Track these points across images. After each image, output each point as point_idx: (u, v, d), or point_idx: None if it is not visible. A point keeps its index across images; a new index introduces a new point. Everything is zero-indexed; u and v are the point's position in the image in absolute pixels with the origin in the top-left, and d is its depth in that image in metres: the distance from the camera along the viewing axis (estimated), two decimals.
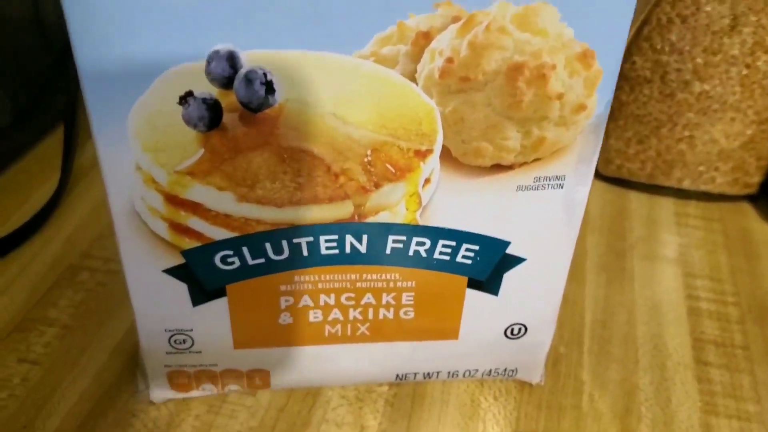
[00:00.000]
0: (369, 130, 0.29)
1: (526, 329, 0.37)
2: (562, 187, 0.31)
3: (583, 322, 0.44)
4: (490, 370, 0.38)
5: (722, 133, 0.50)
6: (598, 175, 0.55)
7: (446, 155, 0.30)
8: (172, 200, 0.30)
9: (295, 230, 0.31)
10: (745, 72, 0.48)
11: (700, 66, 0.48)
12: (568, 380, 0.40)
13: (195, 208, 0.30)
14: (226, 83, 0.27)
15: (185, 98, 0.27)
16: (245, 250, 0.32)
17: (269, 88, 0.27)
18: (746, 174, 0.52)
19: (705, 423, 0.38)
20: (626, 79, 0.50)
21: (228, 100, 0.28)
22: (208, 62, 0.27)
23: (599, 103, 0.29)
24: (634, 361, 0.41)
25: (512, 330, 0.37)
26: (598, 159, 0.54)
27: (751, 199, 0.54)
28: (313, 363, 0.37)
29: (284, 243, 0.32)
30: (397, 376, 0.38)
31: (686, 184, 0.53)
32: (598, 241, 0.50)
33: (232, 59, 0.27)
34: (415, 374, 0.38)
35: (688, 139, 0.51)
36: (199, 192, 0.30)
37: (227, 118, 0.28)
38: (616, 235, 0.51)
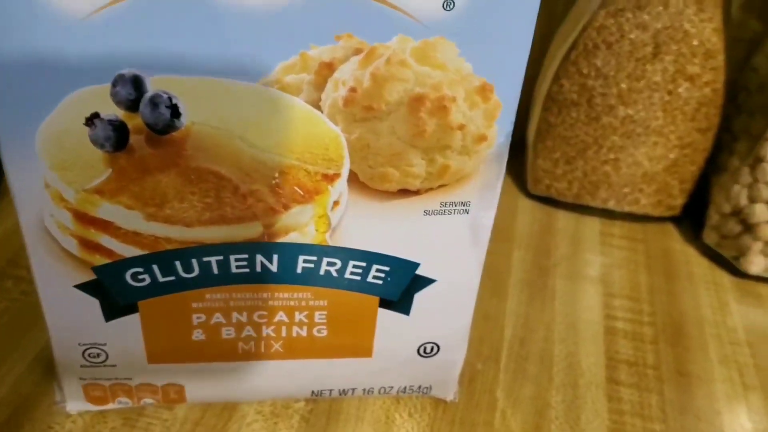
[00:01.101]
0: (276, 153, 0.29)
1: (438, 348, 0.37)
2: (467, 212, 0.32)
3: (502, 338, 0.45)
4: (405, 387, 0.39)
5: (646, 156, 0.52)
6: (528, 194, 0.56)
7: (354, 179, 0.31)
8: (82, 218, 0.30)
9: (204, 249, 0.32)
10: (667, 98, 0.49)
11: (624, 91, 0.50)
12: (483, 397, 0.41)
13: (105, 226, 0.31)
14: (131, 106, 0.28)
15: (91, 119, 0.28)
16: (155, 267, 0.32)
17: (175, 111, 0.28)
18: (669, 196, 0.54)
19: None
20: (554, 102, 0.52)
21: (134, 122, 0.28)
22: (113, 85, 0.27)
23: (499, 133, 0.30)
24: (548, 379, 0.42)
25: (425, 348, 0.37)
26: (527, 178, 0.56)
27: (674, 219, 0.56)
28: (228, 378, 0.37)
29: (194, 261, 0.32)
30: (313, 392, 0.39)
31: (611, 205, 0.54)
32: (523, 258, 0.51)
33: (137, 83, 0.27)
34: (331, 391, 0.39)
35: (613, 162, 0.52)
36: (108, 210, 0.30)
37: (134, 139, 0.29)
38: (542, 253, 0.52)
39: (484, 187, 0.32)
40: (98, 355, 0.35)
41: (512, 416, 0.40)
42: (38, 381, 0.39)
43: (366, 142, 0.29)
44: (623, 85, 0.49)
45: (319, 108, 0.29)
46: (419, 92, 0.28)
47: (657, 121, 0.50)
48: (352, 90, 0.28)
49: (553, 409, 0.41)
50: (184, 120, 0.28)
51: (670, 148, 0.51)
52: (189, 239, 0.31)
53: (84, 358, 0.35)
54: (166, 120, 0.28)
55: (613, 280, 0.50)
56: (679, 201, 0.54)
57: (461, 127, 0.29)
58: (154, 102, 0.28)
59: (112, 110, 0.28)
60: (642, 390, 0.42)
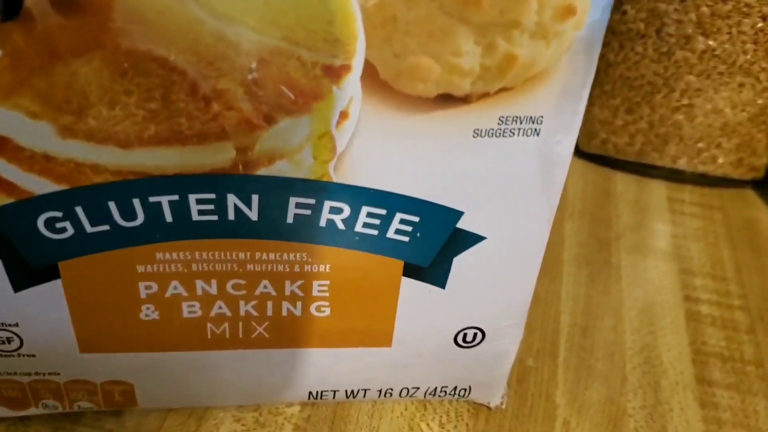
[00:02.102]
0: (252, 28, 0.19)
1: (483, 335, 0.27)
2: (538, 134, 0.22)
3: (558, 328, 0.35)
4: (435, 389, 0.29)
5: (728, 102, 0.42)
6: (579, 152, 0.46)
7: (372, 77, 0.20)
8: None
9: (150, 184, 0.21)
10: (760, 25, 0.39)
11: (706, 17, 0.40)
12: (538, 402, 0.31)
13: (0, 145, 0.20)
14: None
15: None
16: (79, 210, 0.22)
17: None
18: (753, 154, 0.44)
19: None
20: (614, 34, 0.42)
21: None
22: None
23: (594, 5, 0.20)
24: (621, 379, 0.32)
25: (464, 336, 0.27)
26: (579, 132, 0.46)
27: (755, 184, 0.46)
28: (194, 374, 0.27)
29: (136, 202, 0.22)
30: (311, 394, 0.29)
31: (682, 164, 0.44)
32: (578, 229, 0.41)
33: None
34: (335, 392, 0.29)
35: (686, 109, 0.42)
36: (1, 120, 0.20)
37: (32, 1, 0.18)
38: (600, 223, 0.42)
39: (565, 94, 0.22)
40: (9, 340, 0.25)
41: (578, 427, 0.30)
42: None
43: (392, 11, 0.19)
44: (705, 9, 0.40)
45: None
46: None
47: (745, 56, 0.40)
48: None
49: (631, 417, 0.31)
50: None
51: (759, 91, 0.41)
52: (127, 167, 0.21)
53: None
54: None
55: (689, 255, 0.40)
56: (764, 160, 0.45)
57: None
58: None
59: None
60: (743, 393, 0.33)
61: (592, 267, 0.38)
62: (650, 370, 0.33)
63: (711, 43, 0.40)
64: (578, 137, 0.45)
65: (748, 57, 0.40)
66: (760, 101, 0.42)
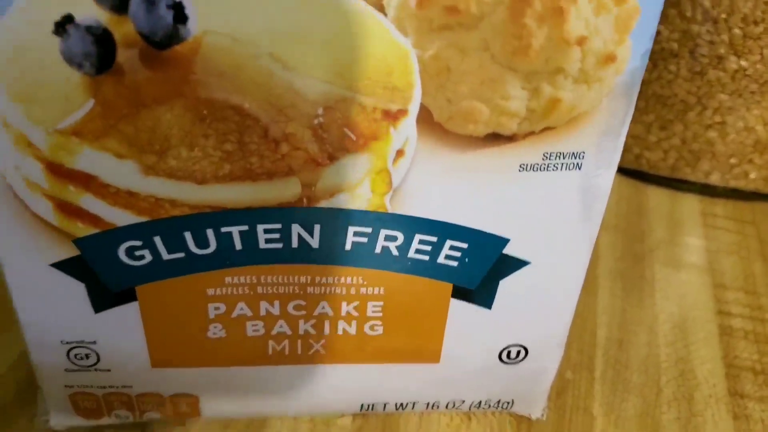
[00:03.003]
0: (319, 79, 0.21)
1: (526, 352, 0.29)
2: (579, 168, 0.24)
3: (594, 341, 0.36)
4: (480, 402, 0.31)
5: (760, 120, 0.43)
6: None
7: (426, 119, 0.22)
8: (56, 171, 0.22)
9: (223, 216, 0.23)
10: None
11: (738, 38, 0.40)
12: (576, 414, 0.32)
13: (87, 181, 0.23)
14: (119, 5, 0.20)
15: (63, 25, 0.20)
16: (158, 240, 0.24)
17: (179, 13, 0.20)
18: None
19: None
20: (649, 53, 0.43)
21: (123, 30, 0.20)
22: None
23: (634, 53, 0.22)
24: (657, 392, 0.34)
25: (509, 353, 0.29)
26: None
27: None
28: (254, 387, 0.29)
29: (209, 233, 0.24)
30: (363, 406, 0.30)
31: (715, 179, 0.45)
32: (612, 243, 0.42)
33: None
34: (385, 405, 0.30)
35: (719, 126, 0.43)
36: (90, 159, 0.22)
37: (123, 56, 0.20)
38: (634, 237, 0.43)
39: (606, 133, 0.23)
40: (87, 356, 0.27)
41: None
42: (18, 390, 0.32)
43: (445, 62, 0.21)
44: (736, 31, 0.40)
45: (382, 11, 0.20)
46: None
47: None
48: None
49: (666, 429, 0.32)
50: (193, 27, 0.20)
51: None
52: (202, 201, 0.23)
53: (69, 360, 0.27)
54: (167, 26, 0.20)
55: (722, 269, 0.41)
56: None
57: (581, 41, 0.21)
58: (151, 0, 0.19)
59: (91, 12, 0.20)
60: None
61: (626, 281, 0.40)
62: (684, 383, 0.34)
63: (743, 63, 0.41)
64: None
65: None
66: None
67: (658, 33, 0.42)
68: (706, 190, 0.46)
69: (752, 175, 0.45)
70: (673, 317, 0.38)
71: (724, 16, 0.40)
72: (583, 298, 0.38)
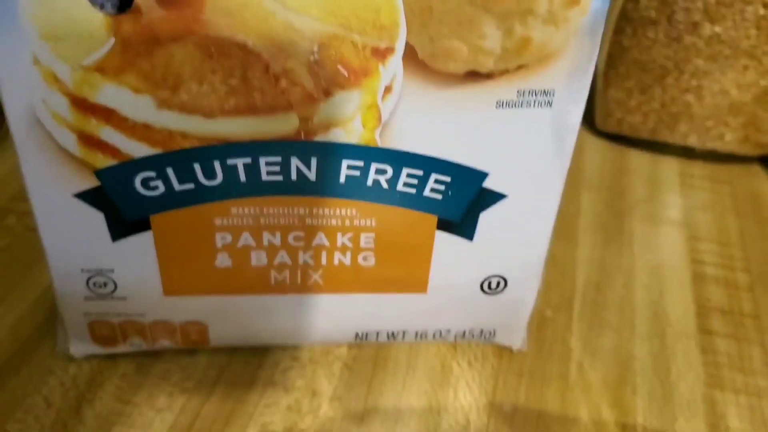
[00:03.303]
0: (314, 17, 0.23)
1: (506, 283, 0.31)
2: (550, 105, 0.26)
3: (574, 286, 0.39)
4: (464, 332, 0.33)
5: (734, 83, 0.45)
6: (596, 130, 0.50)
7: (411, 57, 0.25)
8: (80, 104, 0.25)
9: (229, 148, 0.26)
10: (762, 12, 0.42)
11: (711, 5, 0.43)
12: (555, 346, 0.35)
13: (108, 115, 0.25)
14: None
15: None
16: (170, 171, 0.26)
17: None
18: (758, 131, 0.47)
19: (709, 397, 0.33)
20: (628, 21, 0.45)
21: None
22: None
23: None
24: (631, 329, 0.36)
25: (489, 283, 0.31)
26: (596, 112, 0.49)
27: (762, 160, 0.49)
28: (258, 316, 0.32)
29: (216, 164, 0.26)
30: (357, 335, 0.33)
31: (692, 141, 0.48)
32: (594, 200, 0.45)
33: None
34: (378, 333, 0.33)
35: (695, 90, 0.46)
36: (111, 94, 0.24)
37: None
38: (615, 195, 0.45)
39: (573, 71, 0.26)
40: (105, 284, 0.30)
41: (590, 368, 0.34)
42: (40, 324, 0.34)
43: (428, 3, 0.24)
44: None
45: None
46: None
47: (749, 41, 0.44)
48: None
49: (639, 360, 0.35)
50: None
51: (762, 73, 0.45)
52: (210, 134, 0.26)
53: (88, 287, 0.30)
54: None
55: (697, 224, 0.44)
56: None
57: None
58: None
59: None
60: (741, 341, 0.36)
61: (607, 234, 0.42)
62: (657, 322, 0.37)
63: (717, 29, 0.44)
64: (596, 116, 0.49)
65: (751, 42, 0.44)
66: (763, 82, 0.45)
67: (636, 1, 0.45)
68: (684, 152, 0.49)
69: (727, 137, 0.48)
70: (649, 265, 0.40)
71: None
72: (565, 248, 0.40)
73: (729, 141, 0.48)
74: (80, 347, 0.32)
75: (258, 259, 0.30)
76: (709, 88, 0.46)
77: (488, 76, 0.25)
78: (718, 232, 0.43)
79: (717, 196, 0.46)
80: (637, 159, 0.48)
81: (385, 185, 0.28)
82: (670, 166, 0.48)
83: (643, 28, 0.45)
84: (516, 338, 0.34)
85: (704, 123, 0.47)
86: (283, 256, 0.30)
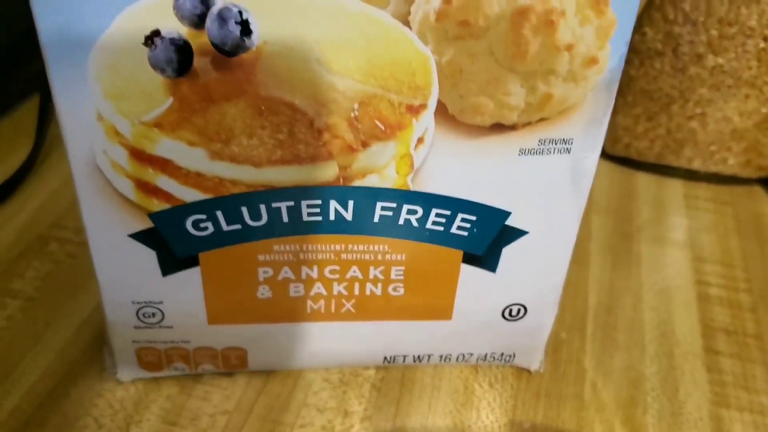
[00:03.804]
0: (356, 80, 0.26)
1: (525, 310, 0.34)
2: (569, 152, 0.28)
3: (586, 307, 0.41)
4: (486, 355, 0.36)
5: (736, 111, 0.47)
6: (605, 155, 0.52)
7: (442, 112, 0.27)
8: (138, 156, 0.27)
9: (274, 193, 0.28)
10: (762, 45, 0.45)
11: (715, 38, 0.45)
12: (570, 367, 0.37)
13: (164, 165, 0.27)
14: (197, 22, 0.24)
15: (151, 38, 0.24)
16: (219, 214, 0.29)
17: (245, 27, 0.24)
18: (760, 156, 0.49)
19: (715, 415, 0.35)
20: (636, 52, 0.47)
21: (199, 41, 0.25)
22: None
23: (612, 56, 0.26)
24: (641, 349, 0.39)
25: (510, 311, 0.34)
26: (605, 137, 0.52)
27: (763, 182, 0.51)
28: (294, 342, 0.34)
29: (262, 207, 0.29)
30: (385, 358, 0.35)
31: (697, 165, 0.50)
32: (603, 223, 0.47)
33: None
34: (405, 357, 0.35)
35: (699, 117, 0.48)
36: (167, 147, 0.27)
37: (198, 62, 0.25)
38: (623, 217, 0.48)
39: (590, 122, 0.28)
40: (153, 314, 0.32)
41: (604, 388, 0.36)
42: (86, 347, 0.37)
43: (459, 66, 0.26)
44: (713, 32, 0.45)
45: (407, 24, 0.25)
46: (524, 4, 0.24)
47: (750, 72, 0.46)
48: (447, 1, 0.24)
49: (648, 380, 0.37)
50: (256, 39, 0.25)
51: (763, 101, 0.47)
52: (258, 181, 0.28)
53: (138, 318, 0.32)
54: (235, 38, 0.25)
55: (702, 245, 0.46)
56: None
57: (569, 47, 0.25)
58: (223, 17, 0.24)
59: (174, 27, 0.25)
60: (744, 360, 0.38)
61: (615, 256, 0.45)
62: (665, 341, 0.39)
63: (720, 60, 0.46)
64: (604, 141, 0.51)
65: (752, 72, 0.46)
66: (764, 110, 0.47)
67: (644, 34, 0.47)
68: (688, 175, 0.51)
69: (730, 161, 0.50)
70: (656, 286, 0.43)
71: (702, 18, 0.45)
72: (577, 270, 0.43)
73: (732, 165, 0.50)
74: (127, 372, 0.34)
75: (296, 290, 0.32)
76: (712, 116, 0.48)
77: (512, 127, 0.28)
78: (721, 253, 0.45)
79: (720, 217, 0.48)
80: (644, 182, 0.51)
81: (415, 224, 0.30)
82: (675, 188, 0.51)
83: (650, 59, 0.47)
84: (534, 360, 0.36)
85: (708, 148, 0.49)
86: (319, 288, 0.32)
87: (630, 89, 0.49)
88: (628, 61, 0.48)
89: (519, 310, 0.34)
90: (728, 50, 0.45)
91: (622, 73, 0.48)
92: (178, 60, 0.25)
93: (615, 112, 0.50)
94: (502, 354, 0.36)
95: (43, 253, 0.42)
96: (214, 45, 0.25)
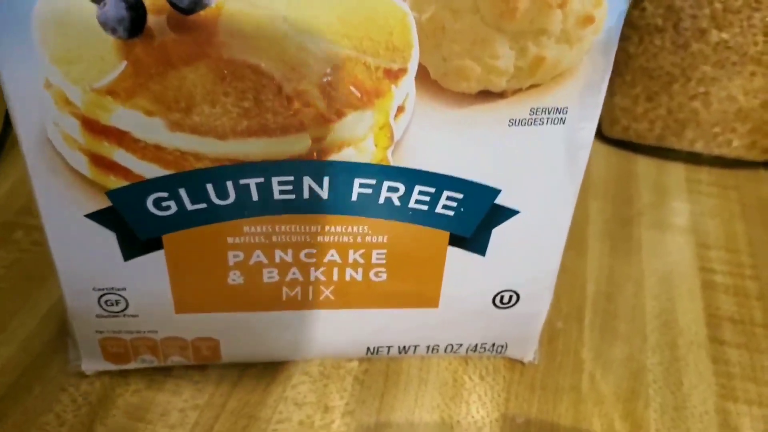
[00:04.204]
0: (328, 40, 0.23)
1: (518, 297, 0.31)
2: (563, 123, 0.26)
3: (584, 295, 0.39)
4: (476, 345, 0.33)
5: (741, 90, 0.45)
6: (602, 137, 0.50)
7: (424, 77, 0.25)
8: (92, 127, 0.25)
9: (241, 168, 0.26)
10: None
11: (719, 12, 0.43)
12: (566, 358, 0.35)
13: (120, 137, 0.25)
14: None
15: None
16: (182, 191, 0.26)
17: None
18: (766, 137, 0.47)
19: (722, 408, 0.33)
20: (635, 28, 0.45)
21: None
22: None
23: (610, 13, 0.24)
24: (642, 339, 0.36)
25: (501, 298, 0.31)
26: (602, 119, 0.49)
27: None
28: (269, 332, 0.32)
29: (229, 184, 0.26)
30: (368, 349, 0.33)
31: (699, 147, 0.48)
32: (602, 208, 0.45)
33: None
34: (389, 348, 0.33)
35: (702, 96, 0.46)
36: (123, 116, 0.24)
37: (153, 21, 0.23)
38: (622, 202, 0.45)
39: (587, 89, 0.26)
40: (116, 302, 0.30)
41: (602, 380, 0.34)
42: (50, 339, 0.34)
43: (440, 23, 0.23)
44: (717, 5, 0.43)
45: None
46: None
47: (756, 47, 0.43)
48: None
49: (650, 371, 0.35)
50: None
51: None
52: (222, 155, 0.26)
53: (100, 306, 0.30)
54: None
55: (705, 230, 0.44)
56: None
57: (562, 4, 0.23)
58: None
59: None
60: (752, 351, 0.36)
61: (615, 241, 0.42)
62: (668, 331, 0.37)
63: (724, 35, 0.44)
64: (602, 123, 0.49)
65: (759, 48, 0.44)
66: None
67: (643, 9, 0.44)
68: (691, 158, 0.49)
69: (735, 143, 0.47)
70: (658, 273, 0.40)
71: None
72: (574, 257, 0.40)
73: (736, 147, 0.48)
74: (92, 364, 0.32)
75: (270, 276, 0.30)
76: (716, 95, 0.45)
77: (501, 95, 0.25)
78: (726, 239, 0.43)
79: (724, 202, 0.46)
80: (644, 165, 0.48)
81: (397, 202, 0.28)
82: (676, 172, 0.48)
83: (650, 35, 0.45)
84: (528, 351, 0.34)
85: (711, 129, 0.47)
86: (294, 273, 0.30)
87: (628, 67, 0.46)
88: (626, 38, 0.46)
89: (511, 297, 0.31)
90: (733, 25, 0.43)
91: (620, 51, 0.45)
92: (131, 18, 0.23)
93: (613, 92, 0.47)
94: (493, 344, 0.33)
95: (9, 241, 0.39)
96: (170, 2, 0.22)
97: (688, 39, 0.44)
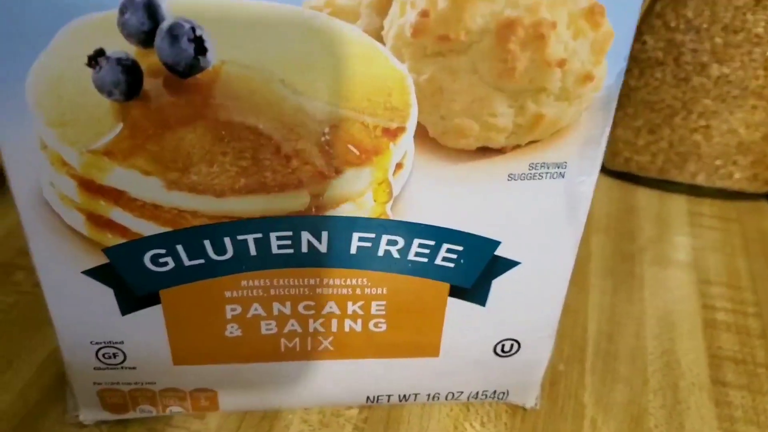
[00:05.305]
0: (326, 101, 0.23)
1: (519, 346, 0.31)
2: (563, 177, 0.26)
3: (585, 335, 0.38)
4: (477, 393, 0.33)
5: (742, 123, 0.45)
6: (604, 170, 0.49)
7: (422, 135, 0.24)
8: (88, 187, 0.25)
9: (239, 225, 0.26)
10: None
11: (719, 46, 0.43)
12: (568, 403, 0.35)
13: (117, 196, 0.25)
14: (145, 39, 0.22)
15: (95, 58, 0.22)
16: (180, 248, 0.26)
17: (199, 46, 0.22)
18: (767, 169, 0.47)
19: None
20: (636, 62, 0.45)
21: (149, 61, 0.22)
22: (122, 12, 0.21)
23: (610, 72, 0.24)
24: (643, 381, 0.36)
25: (503, 347, 0.31)
26: (604, 152, 0.49)
27: None
28: (268, 383, 0.31)
29: (227, 240, 0.26)
30: (368, 398, 0.33)
31: (701, 180, 0.48)
32: (603, 243, 0.44)
33: (150, 9, 0.21)
34: (389, 396, 0.33)
35: (704, 129, 0.45)
36: (120, 176, 0.24)
37: (149, 84, 0.23)
38: (624, 236, 0.45)
39: (586, 144, 0.25)
40: (114, 355, 0.29)
41: (604, 425, 0.34)
42: (49, 386, 0.34)
43: (439, 84, 0.23)
44: (718, 40, 0.43)
45: (380, 40, 0.23)
46: (510, 16, 0.22)
47: (757, 81, 0.43)
48: (424, 14, 0.22)
49: (652, 416, 0.34)
50: (212, 58, 0.22)
51: None
52: (220, 212, 0.25)
53: (98, 359, 0.30)
54: (189, 57, 0.22)
55: (707, 266, 0.43)
56: None
57: (561, 63, 0.23)
58: (174, 34, 0.22)
59: (120, 46, 0.22)
60: (755, 392, 0.36)
61: (616, 278, 0.42)
62: (669, 372, 0.37)
63: (725, 69, 0.44)
64: (603, 156, 0.49)
65: (759, 82, 0.43)
66: None
67: (644, 43, 0.44)
68: (692, 191, 0.49)
69: (736, 176, 0.47)
70: (659, 311, 0.40)
71: (705, 25, 0.43)
72: (575, 295, 0.40)
73: (738, 179, 0.47)
74: (90, 414, 0.32)
75: (268, 328, 0.29)
76: (717, 128, 0.45)
77: (500, 151, 0.25)
78: (728, 275, 0.43)
79: (726, 235, 0.46)
80: (646, 198, 0.48)
81: (396, 255, 0.27)
82: (678, 204, 0.48)
83: (651, 69, 0.45)
84: (529, 397, 0.34)
85: (713, 162, 0.47)
86: (293, 325, 0.29)
87: (630, 101, 0.46)
88: (627, 71, 0.45)
89: (512, 346, 0.31)
90: (734, 59, 0.43)
91: (622, 84, 0.46)
92: (127, 82, 0.22)
93: (614, 124, 0.47)
94: (494, 391, 0.33)
95: (8, 283, 0.39)
96: (166, 65, 0.22)
97: (689, 73, 0.44)
